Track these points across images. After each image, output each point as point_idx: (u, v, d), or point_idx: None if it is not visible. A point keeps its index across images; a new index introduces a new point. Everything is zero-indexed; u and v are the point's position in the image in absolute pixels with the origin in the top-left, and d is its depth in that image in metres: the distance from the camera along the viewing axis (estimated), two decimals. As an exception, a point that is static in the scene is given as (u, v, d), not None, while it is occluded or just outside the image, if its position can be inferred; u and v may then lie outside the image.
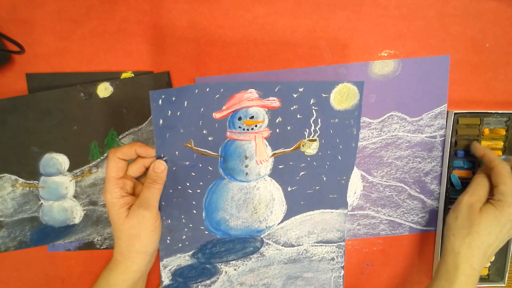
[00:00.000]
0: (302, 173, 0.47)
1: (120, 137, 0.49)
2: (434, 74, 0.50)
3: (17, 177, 0.48)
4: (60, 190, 0.49)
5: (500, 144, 0.52)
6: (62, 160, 0.49)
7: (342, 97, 0.44)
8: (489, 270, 0.55)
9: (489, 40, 0.50)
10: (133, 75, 0.48)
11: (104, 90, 0.48)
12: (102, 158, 0.49)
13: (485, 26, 0.50)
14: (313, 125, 0.45)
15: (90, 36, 0.47)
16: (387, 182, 0.53)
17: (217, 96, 0.41)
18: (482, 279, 0.55)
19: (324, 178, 0.48)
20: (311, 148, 0.46)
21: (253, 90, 0.42)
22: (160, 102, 0.38)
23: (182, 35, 0.48)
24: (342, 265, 0.51)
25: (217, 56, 0.49)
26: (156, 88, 0.48)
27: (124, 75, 0.48)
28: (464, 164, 0.52)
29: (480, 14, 0.50)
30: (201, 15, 0.48)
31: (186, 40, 0.48)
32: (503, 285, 0.54)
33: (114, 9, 0.47)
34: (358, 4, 0.49)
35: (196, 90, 0.40)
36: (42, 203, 0.49)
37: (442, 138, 0.52)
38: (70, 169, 0.49)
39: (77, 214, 0.50)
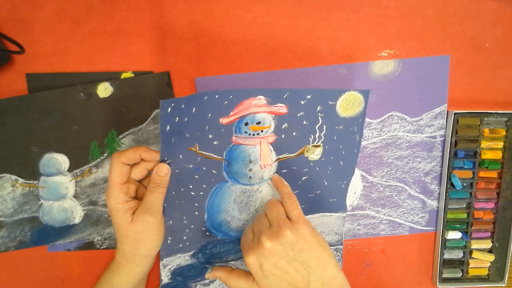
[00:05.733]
0: (305, 177, 0.47)
1: (120, 137, 0.49)
2: (434, 74, 0.50)
3: (17, 177, 0.48)
4: (60, 190, 0.49)
5: (500, 144, 0.52)
6: (62, 160, 0.49)
7: (348, 104, 0.45)
8: (489, 270, 0.55)
9: (489, 40, 0.50)
10: (133, 75, 0.48)
11: (104, 90, 0.48)
12: (102, 158, 0.49)
13: (485, 26, 0.50)
14: (318, 131, 0.45)
15: (90, 36, 0.47)
16: (387, 182, 0.53)
17: (225, 102, 0.41)
18: (482, 279, 0.55)
19: (326, 183, 0.48)
20: (314, 154, 0.46)
21: (262, 96, 0.42)
22: (169, 110, 0.38)
23: (182, 35, 0.48)
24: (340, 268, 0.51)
25: (217, 56, 0.49)
26: (156, 88, 0.48)
27: (124, 75, 0.48)
28: (464, 164, 0.52)
29: (480, 14, 0.50)
30: (201, 15, 0.48)
31: (186, 40, 0.48)
32: (503, 285, 0.54)
33: (114, 9, 0.47)
34: (358, 4, 0.49)
35: (206, 97, 0.39)
36: (42, 203, 0.49)
37: (442, 138, 0.52)
38: (70, 169, 0.49)
39: (77, 214, 0.50)
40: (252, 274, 0.41)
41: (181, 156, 0.42)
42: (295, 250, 0.39)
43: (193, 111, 0.40)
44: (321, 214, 0.50)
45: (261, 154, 0.45)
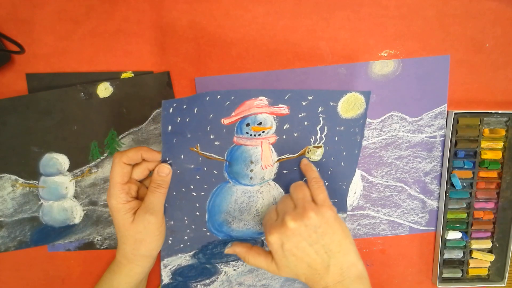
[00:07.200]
0: (306, 178, 0.47)
1: (120, 137, 0.49)
2: (434, 74, 0.50)
3: (17, 177, 0.48)
4: (60, 190, 0.49)
5: (500, 144, 0.52)
6: (62, 160, 0.49)
7: (350, 105, 0.45)
8: (489, 270, 0.55)
9: (489, 40, 0.50)
10: (133, 75, 0.48)
11: (104, 90, 0.48)
12: (102, 158, 0.49)
13: (485, 26, 0.50)
14: (319, 132, 0.45)
15: (90, 36, 0.47)
16: (387, 182, 0.53)
17: (227, 103, 0.41)
18: (482, 279, 0.55)
19: (326, 183, 0.48)
20: (316, 155, 0.46)
21: (263, 97, 0.42)
22: (171, 110, 0.38)
23: (182, 35, 0.48)
24: None
25: (217, 56, 0.49)
26: (156, 88, 0.48)
27: (124, 75, 0.48)
28: (464, 164, 0.52)
29: (480, 14, 0.50)
30: (201, 15, 0.48)
31: (186, 40, 0.48)
32: (503, 285, 0.54)
33: (114, 9, 0.47)
34: (358, 4, 0.49)
35: (207, 98, 0.40)
36: (42, 203, 0.49)
37: (442, 138, 0.52)
38: (70, 169, 0.49)
39: (77, 214, 0.50)
40: (272, 253, 0.41)
41: (182, 156, 0.42)
42: (318, 233, 0.39)
43: (195, 112, 0.40)
44: None
45: (262, 154, 0.45)
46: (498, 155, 0.52)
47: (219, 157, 0.44)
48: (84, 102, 0.48)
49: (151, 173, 0.42)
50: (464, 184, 0.53)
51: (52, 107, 0.47)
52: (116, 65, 0.48)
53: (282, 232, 0.39)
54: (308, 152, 0.46)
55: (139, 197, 0.43)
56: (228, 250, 0.47)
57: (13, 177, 0.48)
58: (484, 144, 0.52)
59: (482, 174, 0.52)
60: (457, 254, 0.54)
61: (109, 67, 0.48)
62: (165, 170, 0.41)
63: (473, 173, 0.52)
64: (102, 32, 0.47)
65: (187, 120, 0.40)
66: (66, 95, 0.47)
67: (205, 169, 0.44)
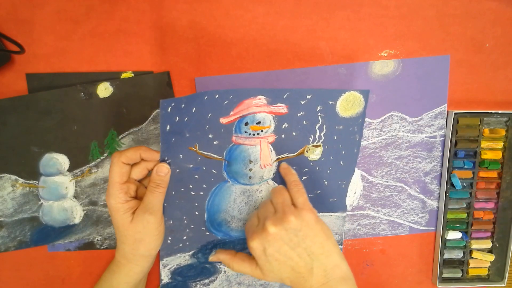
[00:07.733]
0: (305, 177, 0.47)
1: (120, 137, 0.49)
2: (434, 74, 0.50)
3: (17, 177, 0.48)
4: (60, 190, 0.49)
5: (500, 144, 0.52)
6: (62, 160, 0.49)
7: (348, 104, 0.45)
8: (489, 270, 0.55)
9: (489, 40, 0.50)
10: (133, 75, 0.48)
11: (104, 90, 0.48)
12: (102, 158, 0.49)
13: (485, 26, 0.50)
14: (318, 131, 0.46)
15: (90, 36, 0.47)
16: (387, 182, 0.53)
17: (225, 102, 0.41)
18: (482, 279, 0.55)
19: (325, 183, 0.48)
20: (314, 154, 0.46)
21: (262, 96, 0.42)
22: (169, 109, 0.38)
23: (182, 35, 0.48)
24: None
25: (217, 56, 0.49)
26: (156, 88, 0.48)
27: (124, 75, 0.48)
28: (464, 164, 0.52)
29: (480, 14, 0.50)
30: (201, 15, 0.48)
31: (186, 40, 0.48)
32: (503, 285, 0.54)
33: (114, 9, 0.47)
34: (358, 4, 0.49)
35: (206, 97, 0.40)
36: (42, 203, 0.49)
37: (442, 138, 0.52)
38: (70, 169, 0.49)
39: (77, 214, 0.50)
40: (256, 258, 0.41)
41: (181, 156, 0.42)
42: (299, 237, 0.39)
43: (193, 111, 0.40)
44: (321, 214, 0.50)
45: (261, 154, 0.45)
46: (498, 155, 0.52)
47: (218, 157, 0.44)
48: (84, 102, 0.48)
49: (150, 172, 0.42)
50: (464, 184, 0.53)
51: (52, 107, 0.47)
52: (116, 65, 0.48)
53: (263, 237, 0.39)
54: (307, 151, 0.46)
55: (138, 197, 0.43)
56: (212, 257, 0.47)
57: (13, 177, 0.48)
58: (484, 144, 0.52)
59: (482, 174, 0.52)
60: (457, 254, 0.54)
61: (109, 67, 0.48)
62: (164, 170, 0.41)
63: (473, 173, 0.52)
64: (102, 32, 0.47)
65: (186, 119, 0.40)
66: (66, 95, 0.47)
67: (204, 168, 0.44)
